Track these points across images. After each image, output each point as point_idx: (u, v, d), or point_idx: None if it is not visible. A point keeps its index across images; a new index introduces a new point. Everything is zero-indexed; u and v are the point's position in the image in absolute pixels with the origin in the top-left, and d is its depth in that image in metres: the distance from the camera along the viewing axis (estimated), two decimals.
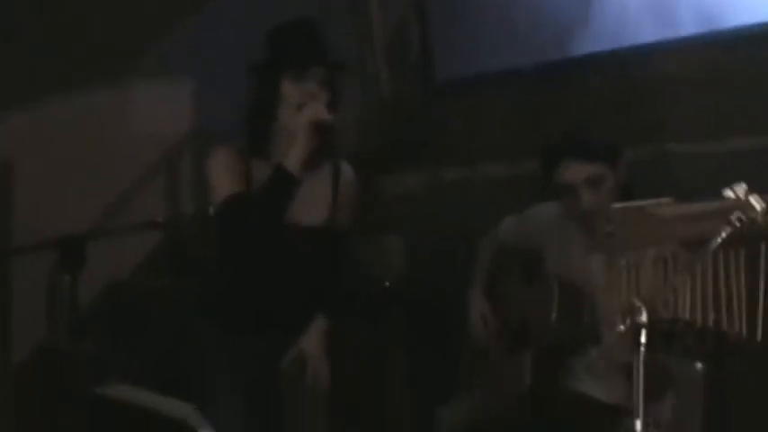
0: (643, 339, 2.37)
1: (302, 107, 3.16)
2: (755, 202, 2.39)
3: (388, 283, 4.36)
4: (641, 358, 2.36)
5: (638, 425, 2.32)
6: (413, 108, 4.85)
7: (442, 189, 4.66)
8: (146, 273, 4.50)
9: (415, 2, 4.98)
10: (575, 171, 3.24)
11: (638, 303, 2.37)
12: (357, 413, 4.11)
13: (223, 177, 3.23)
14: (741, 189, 2.42)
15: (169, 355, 4.03)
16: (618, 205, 2.77)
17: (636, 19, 4.36)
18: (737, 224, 2.37)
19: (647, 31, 4.33)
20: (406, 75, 4.95)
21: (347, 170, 3.39)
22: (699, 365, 3.08)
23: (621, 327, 2.40)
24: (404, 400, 4.49)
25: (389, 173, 4.76)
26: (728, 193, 2.43)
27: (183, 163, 4.52)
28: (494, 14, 4.73)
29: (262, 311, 3.30)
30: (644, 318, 2.37)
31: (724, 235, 2.37)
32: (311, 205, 3.27)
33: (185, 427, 2.53)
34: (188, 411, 2.57)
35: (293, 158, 3.15)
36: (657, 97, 4.14)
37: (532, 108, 4.42)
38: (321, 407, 3.37)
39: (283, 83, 3.22)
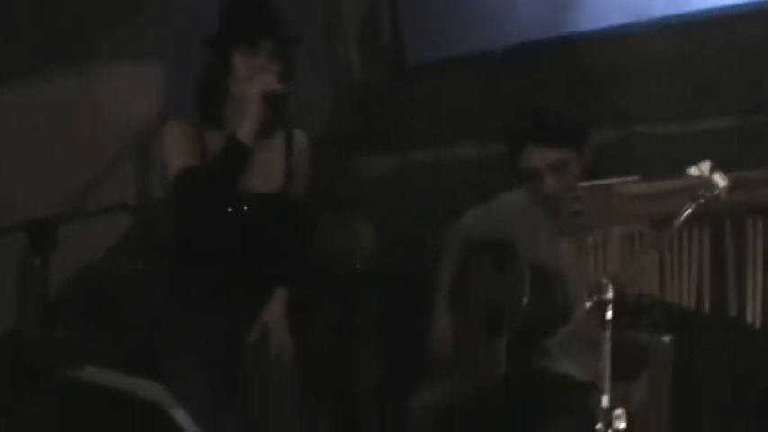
0: (609, 316, 2.39)
1: (252, 79, 3.23)
2: (719, 179, 2.43)
3: (358, 265, 4.37)
4: (607, 335, 2.39)
5: (605, 400, 2.35)
6: (383, 90, 4.86)
7: (412, 171, 4.67)
8: (117, 256, 4.48)
9: None
10: (539, 157, 3.27)
11: (605, 281, 2.39)
12: (326, 395, 4.12)
13: (176, 151, 3.29)
14: (705, 166, 2.46)
15: (140, 338, 4.03)
16: (585, 184, 2.81)
17: (605, 2, 4.38)
18: (702, 201, 2.41)
19: (616, 15, 4.34)
20: (376, 57, 4.94)
21: (300, 138, 3.42)
22: (667, 338, 3.11)
23: (588, 304, 2.41)
24: (374, 384, 4.49)
25: (360, 155, 4.77)
26: (693, 171, 2.47)
27: (154, 146, 4.50)
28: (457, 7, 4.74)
29: (223, 285, 3.32)
30: (610, 294, 2.40)
31: (689, 211, 2.40)
32: (265, 173, 3.32)
33: (157, 407, 2.53)
34: (159, 392, 2.58)
35: (245, 129, 3.21)
36: (625, 79, 4.15)
37: (502, 91, 4.43)
38: (288, 380, 3.38)
39: (234, 56, 3.30)
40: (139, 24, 4.58)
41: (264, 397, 3.36)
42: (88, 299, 4.35)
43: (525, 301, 3.33)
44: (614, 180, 2.67)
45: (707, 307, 2.59)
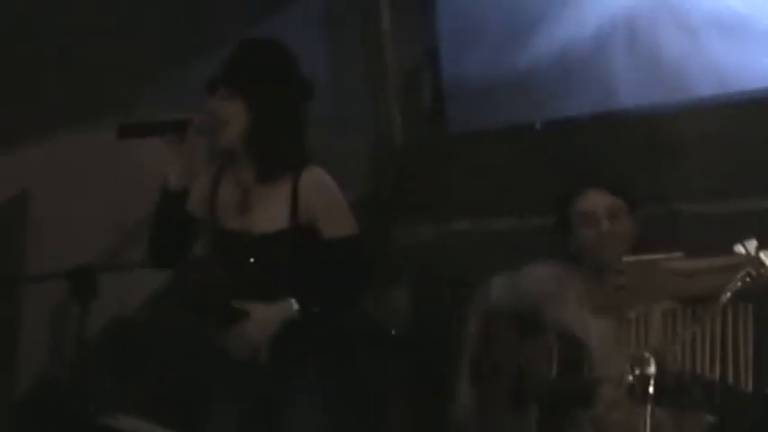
0: (651, 390, 2.39)
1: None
2: (766, 257, 2.45)
3: (393, 331, 4.37)
4: (648, 410, 2.40)
5: None
6: (424, 158, 4.89)
7: (450, 240, 4.68)
8: (152, 309, 4.48)
9: (428, 53, 5.05)
10: (598, 199, 3.36)
11: (647, 355, 2.41)
12: None
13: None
14: (752, 245, 2.48)
15: (172, 388, 4.04)
16: (629, 258, 2.85)
17: (648, 79, 4.43)
18: (748, 279, 2.42)
19: (658, 92, 4.40)
20: (418, 124, 4.98)
21: (312, 174, 3.32)
22: (709, 418, 3.10)
23: (630, 378, 2.42)
24: None
25: (398, 222, 4.79)
26: (739, 249, 2.49)
27: None
28: (507, 68, 4.77)
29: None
30: (652, 369, 2.40)
31: (734, 290, 2.42)
32: (266, 215, 3.30)
33: None
34: None
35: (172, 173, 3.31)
36: (668, 156, 4.17)
37: (541, 164, 4.47)
38: None
39: None
40: (183, 78, 4.54)
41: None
42: (122, 349, 4.36)
43: (554, 372, 3.32)
44: (659, 256, 2.71)
45: (749, 386, 2.58)
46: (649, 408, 2.40)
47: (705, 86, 4.26)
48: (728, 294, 2.43)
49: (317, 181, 3.30)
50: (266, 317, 3.21)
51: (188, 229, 3.35)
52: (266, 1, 4.70)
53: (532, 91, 4.72)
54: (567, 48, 4.63)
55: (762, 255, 2.46)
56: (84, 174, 4.33)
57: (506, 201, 4.53)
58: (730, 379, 2.60)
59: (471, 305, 3.66)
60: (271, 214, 3.28)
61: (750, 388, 2.59)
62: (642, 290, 2.71)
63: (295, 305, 3.21)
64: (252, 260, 3.26)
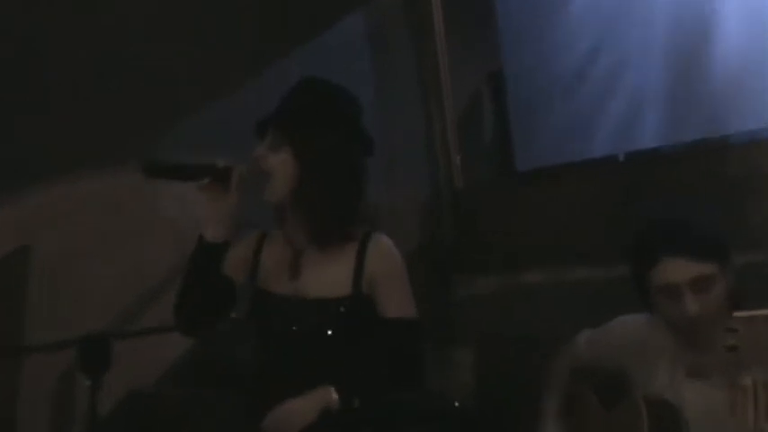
0: None
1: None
2: None
3: (456, 403, 4.19)
4: None
5: None
6: (488, 199, 4.83)
7: (517, 293, 4.60)
8: (169, 381, 4.42)
9: (490, 79, 5.03)
10: (679, 270, 2.99)
11: None
12: None
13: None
14: None
15: None
16: (741, 314, 2.61)
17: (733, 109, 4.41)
18: None
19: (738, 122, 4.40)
20: (480, 160, 4.95)
21: (380, 242, 3.22)
22: None
23: None
24: None
25: (460, 274, 4.70)
26: None
27: None
28: (576, 104, 4.75)
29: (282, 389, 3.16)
30: None
31: None
32: (324, 279, 3.18)
33: None
34: None
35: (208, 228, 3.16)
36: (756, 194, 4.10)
37: (624, 202, 4.35)
38: None
39: None
40: (199, 122, 4.57)
41: None
42: (136, 428, 4.28)
43: None
44: None
45: None
46: None
47: None
48: None
49: (385, 250, 3.20)
50: (303, 408, 3.08)
51: (224, 290, 3.20)
52: (309, 23, 4.68)
53: (610, 120, 4.65)
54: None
55: None
56: (95, 226, 4.27)
57: (585, 247, 4.41)
58: None
59: (555, 365, 3.49)
60: (330, 279, 3.17)
61: None
62: (759, 350, 2.50)
63: (335, 395, 3.08)
64: (295, 328, 3.16)
